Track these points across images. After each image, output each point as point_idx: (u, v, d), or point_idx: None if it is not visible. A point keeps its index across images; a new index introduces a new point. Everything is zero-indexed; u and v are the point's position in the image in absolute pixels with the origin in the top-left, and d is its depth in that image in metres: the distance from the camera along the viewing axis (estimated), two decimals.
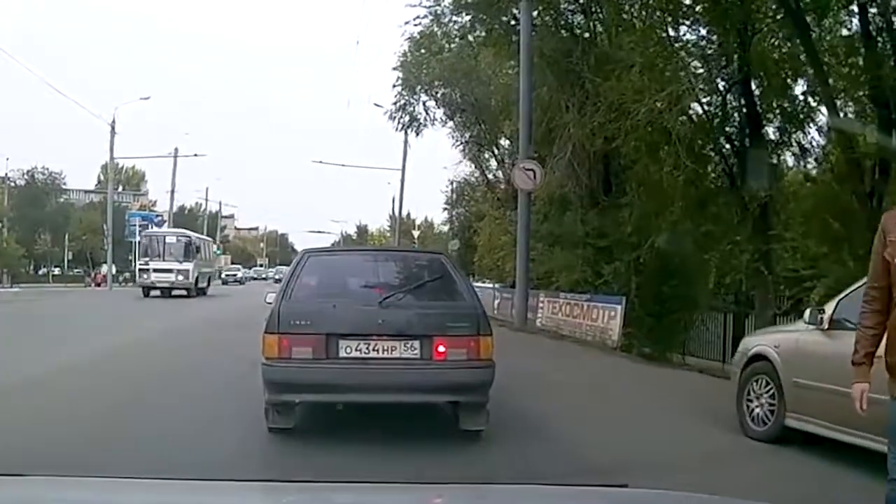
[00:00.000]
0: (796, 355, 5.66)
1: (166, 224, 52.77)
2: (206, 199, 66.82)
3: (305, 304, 5.60)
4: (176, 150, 48.33)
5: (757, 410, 5.99)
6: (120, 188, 64.40)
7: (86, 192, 66.08)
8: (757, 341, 6.33)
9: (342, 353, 5.36)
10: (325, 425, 5.92)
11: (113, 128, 39.97)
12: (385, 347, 5.40)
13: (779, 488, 4.83)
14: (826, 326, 5.41)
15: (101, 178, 59.52)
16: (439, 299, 5.85)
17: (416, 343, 5.40)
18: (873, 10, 11.62)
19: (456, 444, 5.60)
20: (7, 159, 51.54)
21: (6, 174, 51.31)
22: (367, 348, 5.42)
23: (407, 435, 5.68)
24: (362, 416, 6.00)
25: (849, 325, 5.32)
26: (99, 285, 44.72)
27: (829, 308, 5.47)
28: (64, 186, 60.15)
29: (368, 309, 5.51)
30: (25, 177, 53.35)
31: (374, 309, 5.48)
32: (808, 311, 5.63)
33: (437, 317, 5.56)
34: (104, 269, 44.98)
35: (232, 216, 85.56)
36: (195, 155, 52.14)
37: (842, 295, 5.53)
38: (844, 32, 12.93)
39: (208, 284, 32.22)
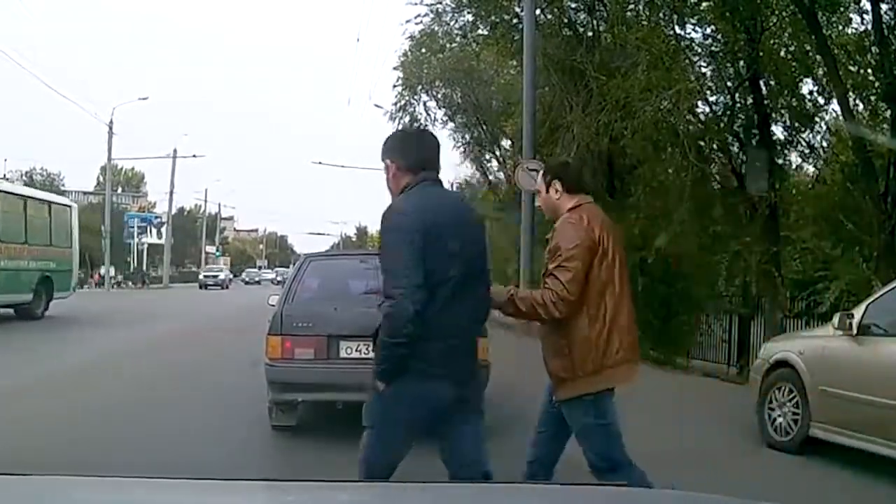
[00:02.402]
0: (823, 362, 5.41)
1: (165, 227, 52.68)
2: (206, 201, 66.76)
3: (307, 307, 5.91)
4: (175, 150, 48.11)
5: (779, 419, 5.74)
6: (119, 189, 64.21)
7: (84, 193, 65.88)
8: (779, 347, 6.07)
9: (343, 354, 5.60)
10: (326, 423, 5.99)
11: (111, 128, 39.78)
12: None
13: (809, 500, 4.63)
14: (855, 332, 5.14)
15: (100, 179, 59.33)
16: None
17: None
18: (885, 6, 11.40)
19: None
20: (5, 160, 51.38)
21: (4, 175, 50.98)
22: (367, 349, 5.48)
23: None
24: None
25: (878, 330, 5.09)
26: (98, 286, 44.52)
27: (858, 313, 5.21)
28: (62, 188, 59.96)
29: (368, 311, 5.54)
30: (24, 178, 53.09)
31: (374, 311, 5.41)
32: (836, 316, 5.36)
33: None
34: (102, 270, 44.71)
35: (231, 218, 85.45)
36: (194, 156, 52.10)
37: (871, 299, 5.29)
38: (854, 29, 12.76)
39: (44, 297, 16.70)
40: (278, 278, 54.28)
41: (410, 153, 3.09)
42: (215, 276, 48.16)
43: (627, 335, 3.27)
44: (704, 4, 13.69)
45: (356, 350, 5.58)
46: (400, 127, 3.50)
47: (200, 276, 49.49)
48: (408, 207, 2.99)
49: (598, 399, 3.31)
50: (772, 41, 13.10)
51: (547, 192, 3.45)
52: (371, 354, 5.33)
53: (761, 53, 12.62)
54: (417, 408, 3.01)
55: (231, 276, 57.20)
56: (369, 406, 3.13)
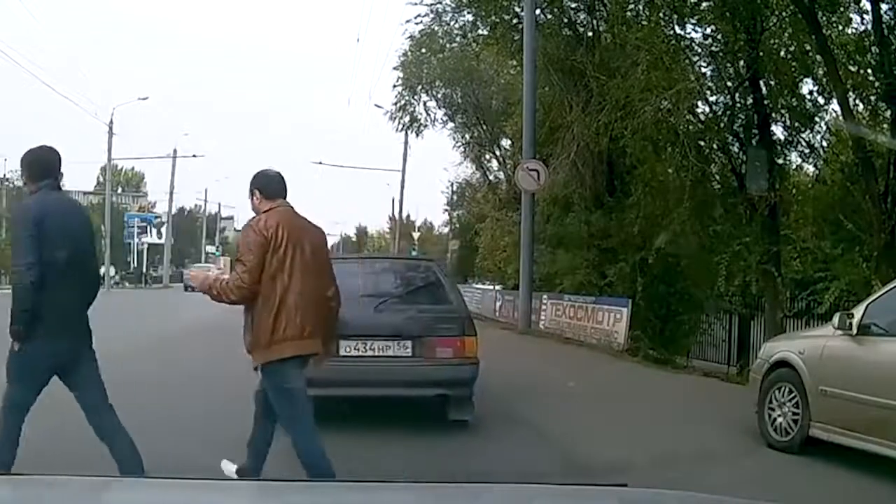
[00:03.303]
0: (823, 362, 5.39)
1: (165, 226, 52.69)
2: (206, 201, 66.72)
3: None
4: (175, 150, 48.09)
5: (779, 420, 5.71)
6: (119, 189, 64.16)
7: (84, 193, 65.78)
8: (779, 347, 6.06)
9: (343, 352, 5.88)
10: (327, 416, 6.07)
11: (111, 129, 39.79)
12: (381, 347, 6.05)
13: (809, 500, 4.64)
14: (855, 332, 5.14)
15: (100, 179, 59.28)
16: (429, 303, 6.48)
17: (409, 343, 6.03)
18: (885, 6, 11.39)
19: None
20: (5, 160, 51.22)
21: (4, 175, 50.89)
22: (365, 347, 6.04)
23: (402, 425, 6.02)
24: (360, 408, 6.29)
25: (878, 330, 5.09)
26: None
27: (858, 312, 5.20)
28: (63, 188, 59.88)
29: (366, 312, 6.06)
30: (24, 178, 53.05)
31: (371, 312, 6.11)
32: (836, 316, 5.35)
33: (427, 319, 6.18)
34: (102, 270, 44.72)
35: (231, 217, 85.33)
36: (194, 156, 52.30)
37: (871, 299, 5.28)
38: (854, 29, 12.75)
39: None
40: None
41: (33, 168, 4.13)
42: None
43: (296, 316, 3.92)
44: (704, 4, 13.67)
45: (354, 348, 5.97)
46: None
47: (185, 276, 44.46)
48: (27, 206, 4.06)
49: (282, 366, 3.97)
50: (772, 41, 13.08)
51: (252, 198, 4.27)
52: (368, 353, 6.05)
53: (761, 53, 12.61)
54: (44, 360, 3.90)
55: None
56: (7, 363, 3.89)
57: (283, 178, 4.30)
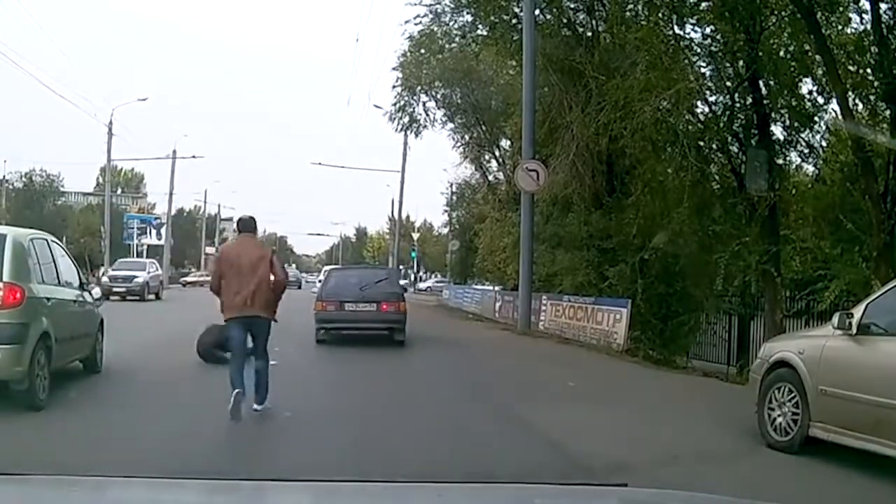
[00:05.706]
0: (823, 362, 5.38)
1: (165, 228, 52.68)
2: (205, 202, 66.61)
3: (332, 290, 13.10)
4: (174, 151, 47.98)
5: (779, 419, 5.70)
6: (118, 190, 64.09)
7: (84, 194, 65.77)
8: (779, 347, 6.04)
9: (346, 309, 12.71)
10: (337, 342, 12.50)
11: (110, 129, 39.69)
12: (362, 306, 12.69)
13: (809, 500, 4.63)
14: (854, 332, 5.13)
15: (100, 180, 59.23)
16: (386, 287, 13.06)
17: (374, 304, 12.67)
18: (885, 6, 11.39)
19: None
20: (5, 161, 51.09)
21: (4, 176, 50.91)
22: (356, 307, 12.71)
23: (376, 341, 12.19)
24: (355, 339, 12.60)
25: (878, 330, 5.09)
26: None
27: (858, 312, 5.19)
28: (62, 189, 59.87)
29: (357, 291, 12.80)
30: (23, 179, 53.04)
31: (359, 292, 12.78)
32: (836, 316, 5.34)
33: (384, 294, 12.76)
34: (102, 270, 44.66)
35: (231, 218, 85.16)
36: (193, 157, 51.89)
37: (870, 298, 5.27)
38: (853, 29, 12.74)
39: None
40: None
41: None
42: (129, 279, 26.48)
43: (234, 299, 6.51)
44: (704, 4, 13.68)
45: (353, 307, 12.68)
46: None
47: (104, 278, 27.62)
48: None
49: (228, 323, 6.71)
50: (771, 41, 13.08)
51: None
52: (357, 309, 12.95)
53: (761, 53, 12.61)
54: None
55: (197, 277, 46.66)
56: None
57: (248, 220, 6.98)
